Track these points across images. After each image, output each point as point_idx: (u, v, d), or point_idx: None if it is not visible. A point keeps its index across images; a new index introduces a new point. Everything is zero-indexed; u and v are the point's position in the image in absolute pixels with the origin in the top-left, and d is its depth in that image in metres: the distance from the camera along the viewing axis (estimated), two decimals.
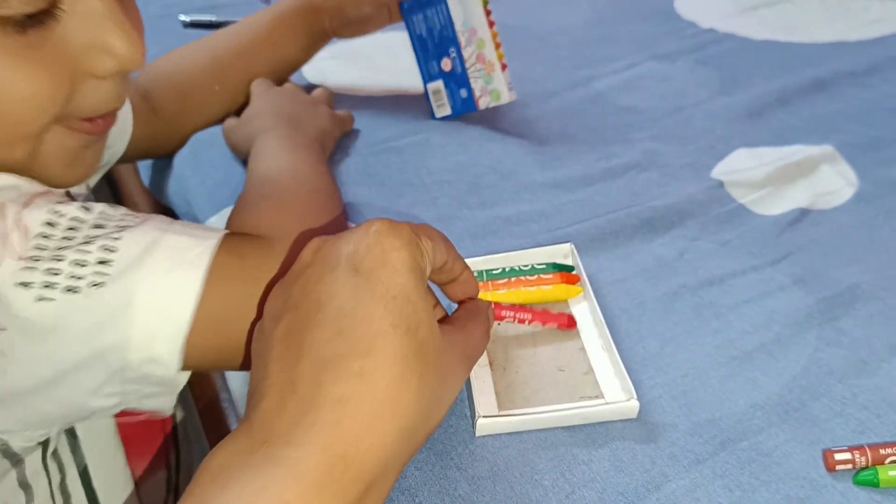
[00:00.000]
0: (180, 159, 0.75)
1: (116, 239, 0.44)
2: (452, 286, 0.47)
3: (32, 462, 0.51)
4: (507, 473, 0.46)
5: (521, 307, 0.53)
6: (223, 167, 0.72)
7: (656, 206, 0.66)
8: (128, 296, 0.43)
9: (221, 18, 1.00)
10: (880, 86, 0.85)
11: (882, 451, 0.45)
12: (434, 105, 0.79)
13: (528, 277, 0.55)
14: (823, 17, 0.99)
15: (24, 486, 0.51)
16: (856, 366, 0.52)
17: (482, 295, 0.51)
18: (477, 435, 0.48)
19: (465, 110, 0.78)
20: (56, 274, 0.42)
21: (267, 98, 0.74)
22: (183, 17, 1.01)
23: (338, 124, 0.76)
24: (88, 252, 0.43)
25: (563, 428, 0.48)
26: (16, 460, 0.50)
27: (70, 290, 0.42)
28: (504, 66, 0.75)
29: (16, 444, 0.49)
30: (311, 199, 0.58)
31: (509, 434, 0.48)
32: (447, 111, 0.79)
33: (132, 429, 0.60)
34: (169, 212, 0.77)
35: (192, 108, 0.76)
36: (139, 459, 0.62)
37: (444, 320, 0.46)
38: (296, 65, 0.81)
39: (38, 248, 0.42)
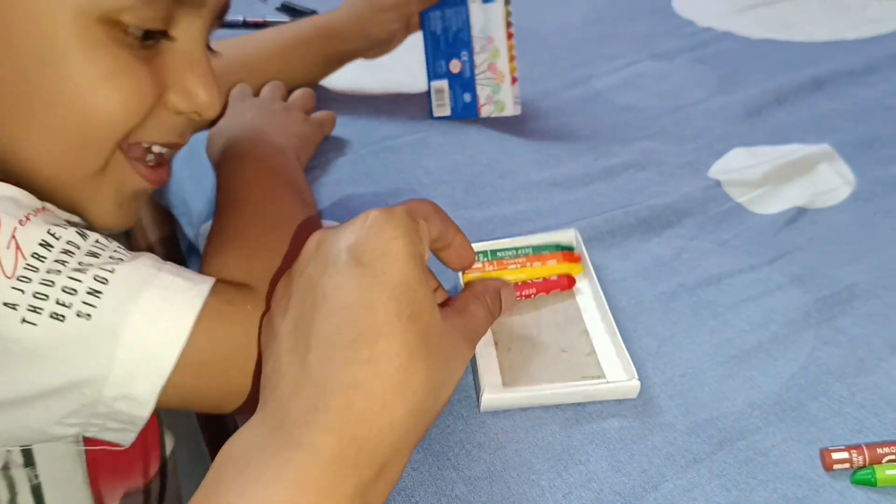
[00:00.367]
0: (177, 160, 0.75)
1: (110, 271, 0.43)
2: (448, 253, 0.48)
3: None
4: (504, 474, 0.46)
5: (525, 283, 0.55)
6: None
7: (654, 206, 0.66)
8: (114, 330, 0.42)
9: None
10: (878, 85, 0.85)
11: (879, 451, 0.45)
12: (434, 103, 0.79)
13: (532, 256, 0.58)
14: (821, 16, 0.98)
15: None
16: (854, 365, 0.52)
17: (487, 273, 0.55)
18: (482, 410, 0.49)
19: (465, 115, 0.78)
20: (43, 299, 0.41)
21: (235, 112, 0.72)
22: None
23: (315, 128, 0.74)
24: (79, 281, 0.42)
25: (560, 429, 0.48)
26: None
27: (55, 316, 0.41)
28: (515, 80, 0.76)
29: None
30: (273, 235, 0.55)
31: (506, 433, 0.48)
32: (446, 112, 0.79)
33: (101, 453, 0.58)
34: (167, 213, 0.77)
35: None
36: (110, 483, 0.59)
37: (446, 303, 0.48)
38: (305, 84, 0.80)
39: (29, 268, 0.42)
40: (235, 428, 0.38)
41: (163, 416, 0.63)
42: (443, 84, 0.78)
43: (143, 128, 0.47)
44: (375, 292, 0.37)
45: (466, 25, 0.76)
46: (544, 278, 0.56)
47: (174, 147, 0.52)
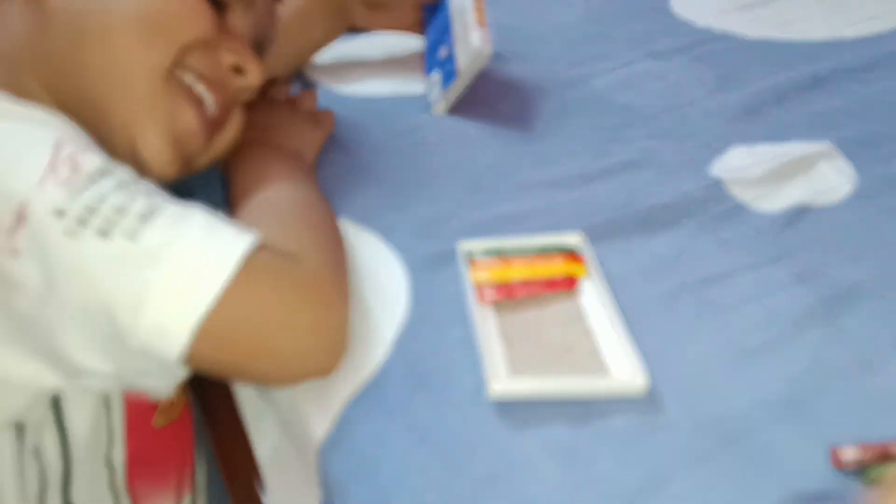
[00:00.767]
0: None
1: (161, 206, 0.44)
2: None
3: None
4: (510, 473, 0.46)
5: (531, 281, 0.56)
6: None
7: (654, 205, 0.65)
8: (155, 256, 0.42)
9: None
10: (878, 82, 0.85)
11: (892, 449, 0.44)
12: (431, 97, 0.78)
13: (538, 255, 0.58)
14: (819, 15, 0.98)
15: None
16: (860, 365, 0.52)
17: (491, 269, 0.57)
18: (490, 398, 0.49)
19: (449, 81, 0.76)
20: (92, 212, 0.42)
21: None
22: None
23: (320, 129, 0.74)
24: (131, 204, 0.43)
25: (566, 428, 0.48)
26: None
27: (101, 232, 0.41)
28: (482, 24, 0.74)
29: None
30: (322, 221, 0.58)
31: (511, 432, 0.48)
32: (441, 109, 0.78)
33: (137, 454, 0.59)
34: None
35: None
36: (144, 487, 0.61)
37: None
38: (312, 52, 0.82)
39: (83, 183, 0.42)
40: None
41: (199, 440, 0.64)
42: (437, 76, 0.78)
43: (196, 54, 0.54)
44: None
45: (445, 7, 0.78)
46: (549, 277, 0.56)
47: (217, 91, 0.57)
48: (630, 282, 0.59)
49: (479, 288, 0.55)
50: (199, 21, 0.54)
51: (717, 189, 0.68)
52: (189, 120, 0.55)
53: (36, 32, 0.52)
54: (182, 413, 0.62)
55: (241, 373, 0.49)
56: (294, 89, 0.84)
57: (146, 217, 0.43)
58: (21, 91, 0.50)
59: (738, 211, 0.66)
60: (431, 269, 0.59)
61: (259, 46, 0.63)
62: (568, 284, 0.56)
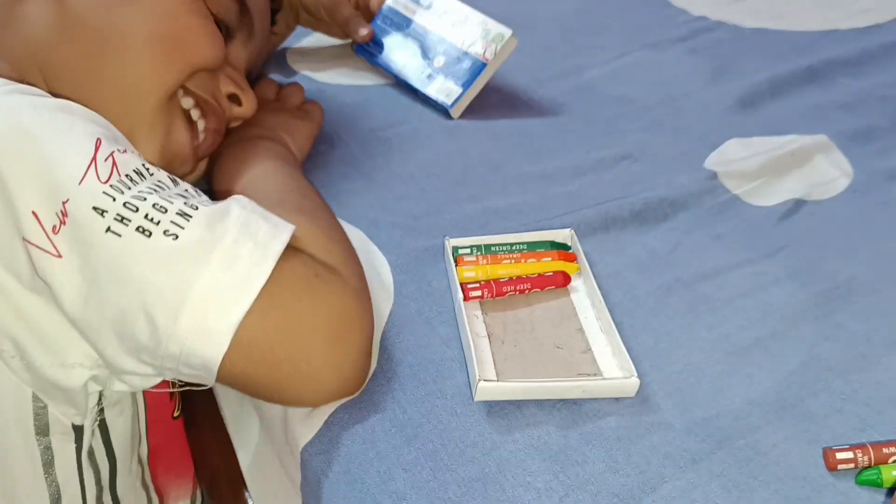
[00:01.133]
0: None
1: (201, 204, 0.44)
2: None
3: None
4: (499, 475, 0.45)
5: (520, 279, 0.54)
6: None
7: (649, 198, 0.64)
8: (199, 255, 0.41)
9: None
10: (873, 75, 0.84)
11: (885, 450, 0.44)
12: (443, 99, 0.76)
13: (527, 252, 0.57)
14: (814, 6, 0.97)
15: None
16: (855, 361, 0.51)
17: (481, 267, 0.56)
18: (476, 400, 0.47)
19: (475, 75, 0.75)
20: (133, 210, 0.41)
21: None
22: None
23: (309, 122, 0.71)
24: (171, 202, 0.42)
25: (556, 428, 0.47)
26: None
27: (141, 231, 0.41)
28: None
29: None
30: (330, 218, 0.56)
31: (501, 433, 0.47)
32: (458, 92, 0.76)
33: (159, 449, 0.60)
34: None
35: None
36: (165, 478, 0.63)
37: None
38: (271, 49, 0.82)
39: (122, 183, 0.42)
40: None
41: None
42: (439, 81, 0.76)
43: (200, 78, 0.56)
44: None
45: (406, 26, 0.80)
46: (539, 274, 0.55)
47: (211, 117, 0.58)
48: (623, 277, 0.58)
49: (466, 286, 0.53)
50: (213, 48, 0.55)
51: (712, 182, 0.67)
52: (183, 142, 0.56)
53: (53, 34, 0.51)
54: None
55: (264, 386, 0.46)
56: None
57: (186, 216, 0.42)
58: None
59: (734, 204, 0.65)
60: (417, 266, 0.58)
61: (250, 75, 0.66)
62: (560, 282, 0.54)
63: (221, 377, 0.43)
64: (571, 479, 0.44)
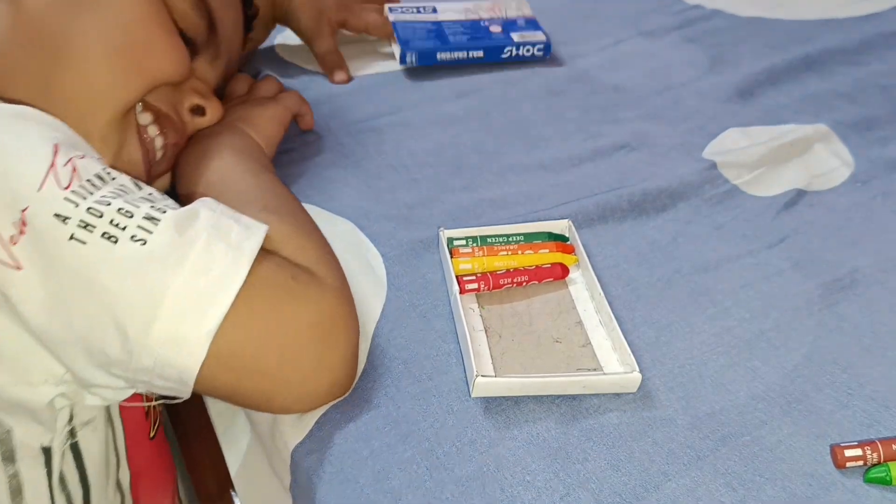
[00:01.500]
0: None
1: (168, 208, 0.41)
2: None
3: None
4: (497, 474, 0.43)
5: (517, 270, 0.53)
6: None
7: (647, 188, 0.63)
8: (169, 260, 0.39)
9: None
10: (871, 63, 0.83)
11: (895, 447, 0.42)
12: (540, 41, 0.81)
13: (524, 244, 0.55)
14: None
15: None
16: (859, 354, 0.50)
17: (477, 259, 0.54)
18: (473, 396, 0.46)
19: (536, 25, 0.82)
20: (98, 216, 0.39)
21: None
22: None
23: (281, 108, 0.66)
24: (137, 206, 0.40)
25: (556, 424, 0.45)
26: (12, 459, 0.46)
27: (107, 237, 0.39)
28: None
29: (18, 434, 0.45)
30: (298, 212, 0.54)
31: (499, 430, 0.45)
32: (543, 38, 0.81)
33: (139, 462, 0.57)
34: None
35: None
36: (147, 492, 0.59)
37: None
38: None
39: (84, 188, 0.40)
40: None
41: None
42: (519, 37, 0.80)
43: (160, 92, 0.54)
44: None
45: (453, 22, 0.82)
46: (536, 266, 0.53)
47: (169, 132, 0.56)
48: (622, 269, 0.56)
49: (462, 278, 0.52)
50: (176, 63, 0.53)
51: (711, 172, 0.65)
52: (135, 160, 0.54)
53: (6, 38, 0.48)
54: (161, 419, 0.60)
55: (249, 396, 0.45)
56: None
57: (154, 220, 0.40)
58: None
59: (734, 195, 0.63)
60: (411, 258, 0.56)
61: (219, 89, 0.63)
62: (558, 274, 0.53)
63: (202, 388, 0.41)
64: (572, 477, 0.43)
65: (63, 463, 0.49)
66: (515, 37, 0.80)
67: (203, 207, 0.43)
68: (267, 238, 0.44)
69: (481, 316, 0.51)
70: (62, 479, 0.49)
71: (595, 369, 0.48)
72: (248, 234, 0.43)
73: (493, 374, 0.47)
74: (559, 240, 0.56)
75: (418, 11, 0.83)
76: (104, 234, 0.39)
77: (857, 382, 0.48)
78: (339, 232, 0.58)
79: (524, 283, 0.53)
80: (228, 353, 0.41)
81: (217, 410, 0.60)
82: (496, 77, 0.79)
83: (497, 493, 0.42)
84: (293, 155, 0.67)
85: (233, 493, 0.55)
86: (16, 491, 0.47)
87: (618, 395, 0.47)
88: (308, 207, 0.58)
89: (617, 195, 0.62)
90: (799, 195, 0.63)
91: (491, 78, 0.78)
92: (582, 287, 0.53)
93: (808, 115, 0.73)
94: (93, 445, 0.50)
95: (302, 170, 0.66)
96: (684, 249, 0.58)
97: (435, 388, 0.48)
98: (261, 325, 0.42)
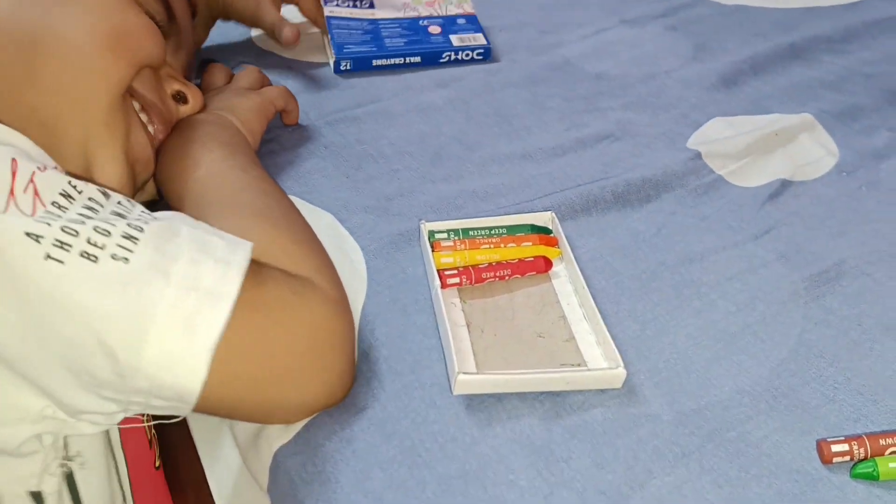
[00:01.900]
0: None
1: (144, 224, 0.39)
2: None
3: None
4: (480, 473, 0.42)
5: (500, 264, 0.52)
6: None
7: (631, 179, 0.62)
8: (154, 277, 0.37)
9: None
10: (856, 52, 0.82)
11: (882, 442, 0.42)
12: (478, 44, 0.78)
13: (507, 236, 0.54)
14: None
15: None
16: (846, 347, 0.50)
17: (458, 252, 0.53)
18: (455, 393, 0.45)
19: (478, 25, 0.80)
20: (73, 234, 0.36)
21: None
22: None
23: (264, 101, 0.65)
24: (113, 225, 0.38)
25: (539, 421, 0.44)
26: None
27: (86, 255, 0.36)
28: None
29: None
30: (289, 212, 0.52)
31: (481, 427, 0.44)
32: (483, 40, 0.79)
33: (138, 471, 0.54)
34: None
35: None
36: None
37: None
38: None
39: (50, 213, 0.37)
40: None
41: None
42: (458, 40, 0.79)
43: (144, 78, 0.53)
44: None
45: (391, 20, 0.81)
46: (519, 259, 0.52)
47: (158, 118, 0.55)
48: (606, 261, 0.55)
49: (444, 273, 0.51)
50: (156, 42, 0.52)
51: (695, 162, 0.64)
52: (143, 143, 0.53)
53: None
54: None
55: (249, 411, 0.44)
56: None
57: (133, 238, 0.38)
58: None
59: (718, 185, 0.63)
60: (391, 252, 0.55)
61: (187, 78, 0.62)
62: (541, 267, 0.52)
63: (200, 407, 0.40)
64: (556, 475, 0.42)
65: None
66: (455, 40, 0.78)
67: (181, 224, 0.41)
68: (263, 248, 0.43)
69: (463, 311, 0.50)
70: None
71: (579, 364, 0.47)
72: (234, 248, 0.41)
73: (476, 370, 0.46)
74: (542, 232, 0.55)
75: (355, 5, 0.81)
76: (83, 252, 0.36)
77: (844, 376, 0.48)
78: (322, 226, 0.56)
79: (507, 277, 0.52)
80: (228, 371, 0.39)
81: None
82: (475, 66, 0.77)
83: (480, 493, 0.41)
84: (272, 145, 0.66)
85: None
86: None
87: (602, 390, 0.46)
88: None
89: (601, 186, 0.61)
90: (784, 185, 0.63)
91: (472, 67, 0.77)
92: (566, 280, 0.53)
93: (793, 104, 0.73)
94: (92, 483, 0.47)
95: (281, 160, 0.64)
96: (669, 241, 0.57)
97: (417, 383, 0.46)
98: (262, 343, 0.40)
